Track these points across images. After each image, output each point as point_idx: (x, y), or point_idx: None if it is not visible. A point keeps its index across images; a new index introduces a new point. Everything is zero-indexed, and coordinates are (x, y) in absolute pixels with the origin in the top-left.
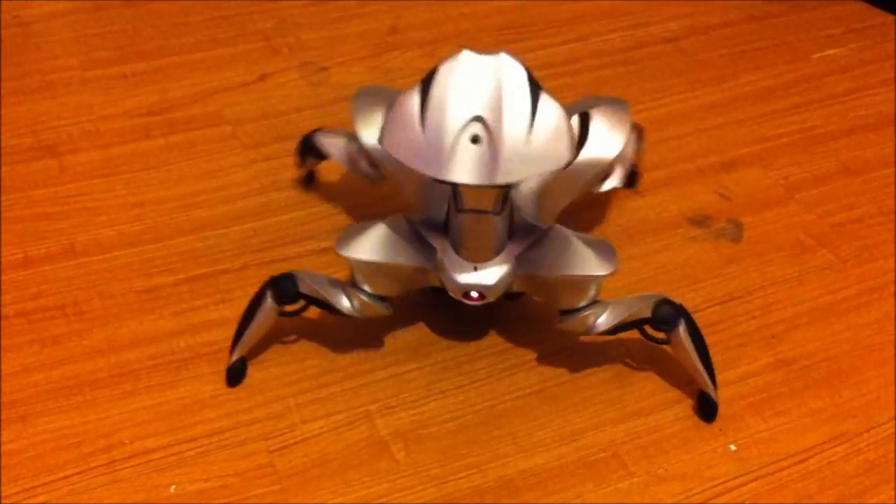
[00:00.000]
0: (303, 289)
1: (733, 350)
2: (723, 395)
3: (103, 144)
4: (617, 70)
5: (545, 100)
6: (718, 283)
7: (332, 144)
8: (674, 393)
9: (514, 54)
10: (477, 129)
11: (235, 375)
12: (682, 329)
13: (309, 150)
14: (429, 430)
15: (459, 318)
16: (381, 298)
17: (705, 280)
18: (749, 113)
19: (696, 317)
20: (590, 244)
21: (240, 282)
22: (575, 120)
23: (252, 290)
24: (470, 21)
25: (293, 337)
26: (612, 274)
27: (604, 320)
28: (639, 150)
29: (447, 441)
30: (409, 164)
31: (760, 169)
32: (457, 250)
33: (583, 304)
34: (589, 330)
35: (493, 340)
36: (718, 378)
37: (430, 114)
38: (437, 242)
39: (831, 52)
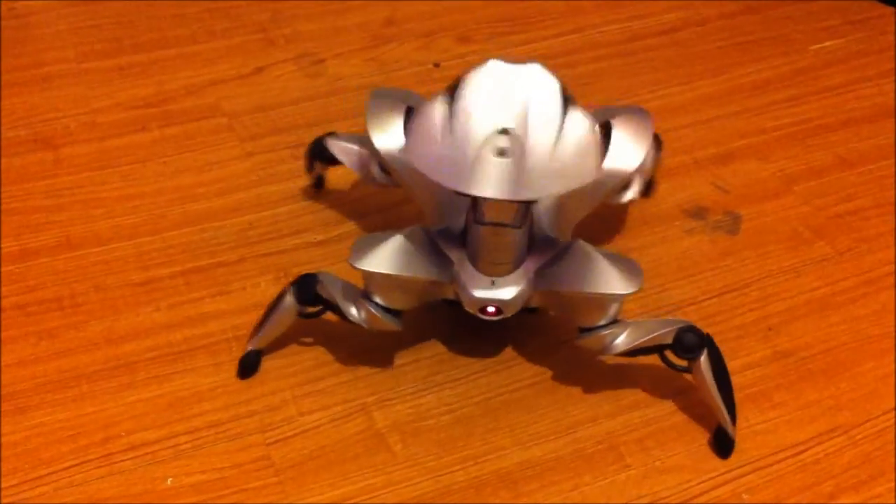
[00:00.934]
0: (320, 292)
1: (730, 342)
2: None
3: (99, 137)
4: (613, 62)
5: (574, 113)
6: (715, 275)
7: (343, 149)
8: (671, 385)
9: (545, 65)
10: (503, 141)
11: (248, 367)
12: (704, 359)
13: (318, 154)
14: (426, 423)
15: (456, 313)
16: (392, 312)
17: (702, 272)
18: (746, 105)
19: (692, 309)
20: (613, 261)
21: (237, 274)
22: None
23: (249, 283)
24: (466, 13)
25: (291, 330)
26: (636, 292)
27: (622, 341)
28: (656, 160)
29: (444, 434)
30: (432, 176)
31: (758, 161)
32: (474, 263)
33: (602, 322)
34: (606, 350)
35: (489, 333)
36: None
37: (455, 124)
38: (454, 255)
39: (829, 43)
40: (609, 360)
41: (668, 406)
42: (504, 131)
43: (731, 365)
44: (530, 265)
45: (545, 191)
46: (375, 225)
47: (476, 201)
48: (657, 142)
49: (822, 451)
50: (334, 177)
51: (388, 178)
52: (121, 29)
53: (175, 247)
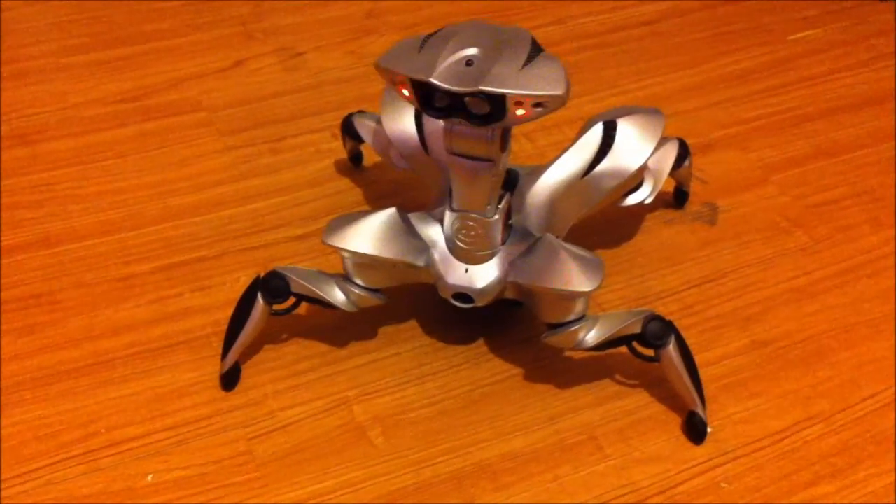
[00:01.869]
0: (294, 287)
1: (709, 332)
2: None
3: (78, 132)
4: (595, 53)
5: (544, 54)
6: (695, 265)
7: (367, 129)
8: (650, 376)
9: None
10: (471, 53)
11: (230, 381)
12: (672, 346)
13: (347, 130)
14: (407, 416)
15: (437, 304)
16: (375, 290)
17: (682, 263)
18: (726, 95)
19: (672, 300)
20: (576, 258)
21: (217, 269)
22: (599, 128)
23: (230, 278)
24: (446, 5)
25: (271, 325)
26: (594, 290)
27: (592, 336)
28: (686, 168)
29: (425, 426)
30: (397, 70)
31: (737, 151)
32: (450, 250)
33: (569, 318)
34: (577, 345)
35: (470, 326)
36: (695, 359)
37: (429, 43)
38: (431, 240)
39: (807, 33)
40: (576, 354)
41: (646, 397)
42: (473, 54)
43: (710, 355)
44: (505, 256)
45: (506, 87)
46: None
47: (447, 131)
48: (684, 149)
49: (801, 439)
50: (315, 171)
51: (405, 162)
52: (99, 24)
53: (155, 242)
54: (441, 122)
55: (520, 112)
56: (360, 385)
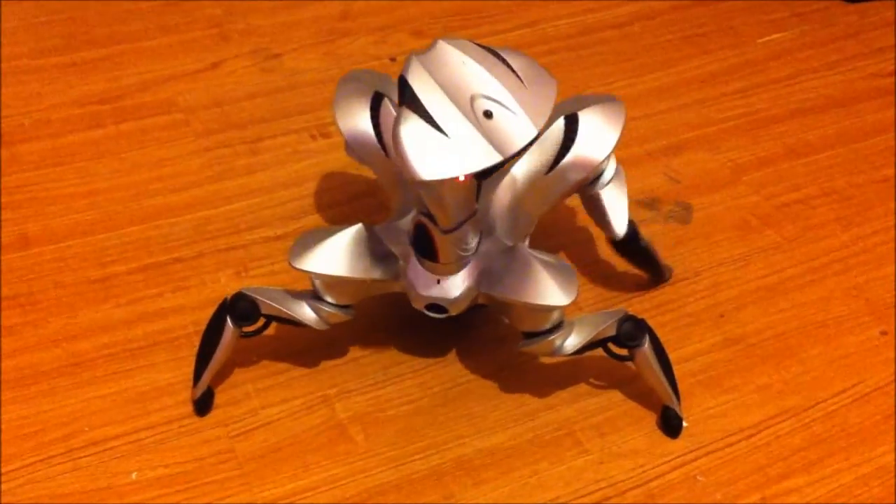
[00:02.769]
0: (264, 309)
1: (682, 329)
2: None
3: (53, 133)
4: (566, 55)
5: (502, 50)
6: (668, 264)
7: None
8: (626, 372)
9: (445, 37)
10: (482, 104)
11: (204, 406)
12: (646, 345)
13: None
14: (386, 413)
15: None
16: (344, 306)
17: None
18: (696, 97)
19: (645, 298)
20: (550, 269)
21: (194, 269)
22: (561, 123)
23: (208, 278)
24: (420, 7)
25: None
26: (569, 305)
27: (570, 343)
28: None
29: (404, 423)
30: (459, 173)
31: (707, 152)
32: (420, 261)
33: (546, 327)
34: (554, 353)
35: (445, 325)
36: (668, 354)
37: (440, 118)
38: (400, 251)
39: (776, 36)
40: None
41: (623, 393)
42: (476, 96)
43: (684, 352)
44: (476, 265)
45: (543, 116)
46: (334, 219)
47: (433, 213)
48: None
49: (773, 433)
50: (291, 171)
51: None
52: (74, 25)
53: (132, 243)
54: None
55: None
56: (339, 383)
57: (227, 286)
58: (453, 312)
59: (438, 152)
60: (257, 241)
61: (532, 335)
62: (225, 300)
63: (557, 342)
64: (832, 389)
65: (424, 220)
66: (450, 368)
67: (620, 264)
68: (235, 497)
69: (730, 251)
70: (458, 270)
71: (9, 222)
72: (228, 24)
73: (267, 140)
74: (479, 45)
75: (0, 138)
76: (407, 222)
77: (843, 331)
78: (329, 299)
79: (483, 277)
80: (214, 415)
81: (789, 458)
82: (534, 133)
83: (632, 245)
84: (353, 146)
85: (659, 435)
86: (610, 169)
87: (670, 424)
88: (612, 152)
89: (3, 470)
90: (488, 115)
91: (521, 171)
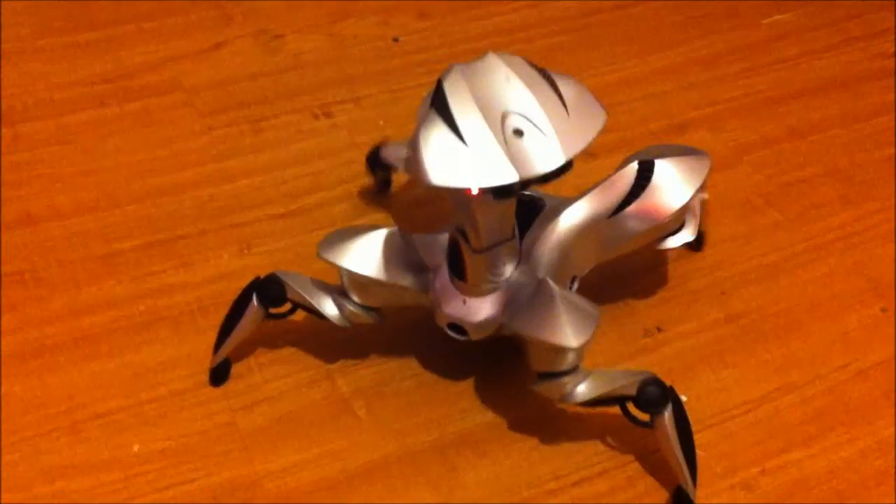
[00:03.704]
0: (290, 295)
1: (685, 306)
2: (675, 349)
3: (57, 113)
4: (570, 37)
5: (556, 76)
6: None
7: (397, 156)
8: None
9: (499, 52)
10: (514, 121)
11: (220, 376)
12: (668, 414)
13: (376, 163)
14: (389, 388)
15: None
16: (370, 309)
17: None
18: (699, 78)
19: (651, 275)
20: (569, 307)
21: (198, 246)
22: (634, 166)
23: (212, 255)
24: None
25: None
26: (581, 346)
27: (582, 391)
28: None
29: (407, 398)
30: (471, 184)
31: (710, 132)
32: (452, 279)
33: (562, 368)
34: (564, 398)
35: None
36: (670, 333)
37: (463, 128)
38: (434, 265)
39: (779, 17)
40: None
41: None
42: (509, 112)
43: (685, 328)
44: (505, 294)
45: (579, 145)
46: (338, 198)
47: (466, 230)
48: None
49: (773, 408)
50: (294, 150)
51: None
52: (77, 5)
53: (136, 220)
54: None
55: None
56: (342, 358)
57: (230, 263)
58: (473, 337)
59: (453, 160)
60: (261, 219)
61: (544, 376)
62: (256, 279)
63: (568, 387)
64: (832, 365)
65: (458, 235)
66: (452, 343)
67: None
68: (238, 469)
69: (732, 230)
70: (486, 294)
71: (13, 200)
72: (232, 6)
73: (270, 120)
74: (531, 64)
75: (2, 118)
76: (446, 237)
77: (843, 308)
78: (355, 298)
79: (508, 308)
80: (217, 389)
81: (789, 432)
82: (562, 160)
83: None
84: None
85: None
86: (686, 232)
87: None
88: (685, 208)
89: (6, 442)
90: (518, 133)
91: (580, 210)
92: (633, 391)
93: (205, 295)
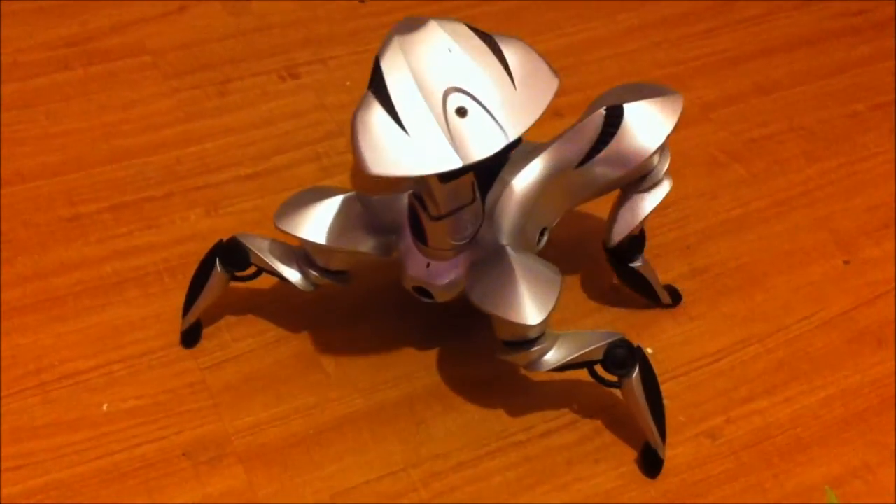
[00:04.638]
0: (253, 259)
1: (651, 261)
2: (641, 302)
3: (21, 77)
4: None
5: (503, 41)
6: None
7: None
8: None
9: (442, 19)
10: (457, 99)
11: (191, 338)
12: (636, 375)
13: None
14: (358, 345)
15: None
16: (337, 273)
17: None
18: (665, 37)
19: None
20: (530, 280)
21: (165, 209)
22: (601, 113)
23: (178, 216)
24: None
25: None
26: (536, 326)
27: (550, 358)
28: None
29: (376, 355)
30: (411, 173)
31: (676, 90)
32: (415, 242)
33: (526, 337)
34: (532, 366)
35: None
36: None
37: (402, 111)
38: (397, 226)
39: None
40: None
41: (590, 322)
42: (452, 90)
43: None
44: (469, 256)
45: (528, 122)
46: (305, 158)
47: (423, 197)
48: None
49: (738, 358)
50: (263, 111)
51: None
52: None
53: (102, 183)
54: None
55: None
56: (311, 317)
57: (197, 224)
58: (439, 300)
59: (392, 148)
60: (228, 181)
61: (510, 344)
62: (219, 242)
63: (535, 356)
64: (796, 316)
65: (415, 201)
66: (424, 304)
67: (593, 203)
68: (208, 426)
69: (697, 185)
70: (448, 258)
71: None
72: None
73: (236, 81)
74: (475, 30)
75: None
76: (404, 197)
77: (807, 260)
78: (318, 263)
79: (471, 272)
80: (185, 349)
81: (753, 381)
82: (505, 142)
83: (622, 265)
84: None
85: None
86: (657, 174)
87: (650, 464)
88: (658, 153)
89: None
90: (461, 112)
91: (546, 161)
92: (600, 354)
93: (172, 256)
